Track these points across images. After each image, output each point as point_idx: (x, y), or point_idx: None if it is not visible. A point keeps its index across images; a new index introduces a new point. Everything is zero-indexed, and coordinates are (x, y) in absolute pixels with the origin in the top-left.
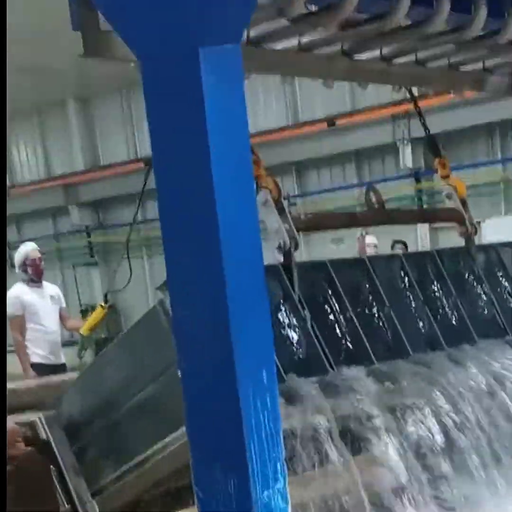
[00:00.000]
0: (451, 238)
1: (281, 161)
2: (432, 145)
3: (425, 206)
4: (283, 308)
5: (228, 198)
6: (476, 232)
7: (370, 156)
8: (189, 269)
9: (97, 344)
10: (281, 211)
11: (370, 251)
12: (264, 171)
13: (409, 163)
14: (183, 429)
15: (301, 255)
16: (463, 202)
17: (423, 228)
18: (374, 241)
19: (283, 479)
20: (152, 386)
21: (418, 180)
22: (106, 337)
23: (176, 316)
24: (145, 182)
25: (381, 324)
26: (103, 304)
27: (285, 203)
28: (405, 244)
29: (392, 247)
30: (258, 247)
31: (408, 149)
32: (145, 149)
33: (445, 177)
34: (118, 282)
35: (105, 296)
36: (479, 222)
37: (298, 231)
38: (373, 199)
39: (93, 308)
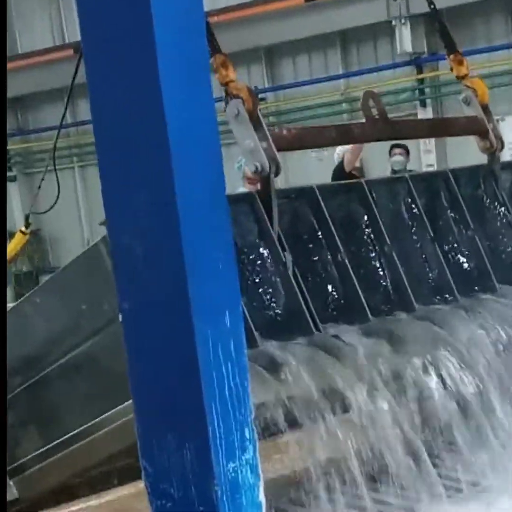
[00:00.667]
0: (458, 139)
1: (247, 47)
2: (442, 32)
3: (429, 100)
4: (258, 250)
5: (179, 95)
6: (502, 147)
7: (359, 39)
8: (131, 185)
9: (16, 279)
10: (257, 125)
11: (353, 159)
12: (234, 74)
13: (408, 47)
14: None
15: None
16: (485, 109)
17: None
18: (358, 145)
19: (253, 447)
20: (91, 342)
21: (419, 69)
22: (29, 271)
23: (114, 244)
24: (75, 75)
25: (379, 268)
26: (23, 229)
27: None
28: (406, 149)
29: (390, 152)
30: (218, 159)
31: (407, 30)
32: (75, 33)
33: (462, 77)
34: (42, 201)
35: (26, 219)
36: (497, 120)
37: (279, 150)
38: (372, 107)
39: (11, 234)
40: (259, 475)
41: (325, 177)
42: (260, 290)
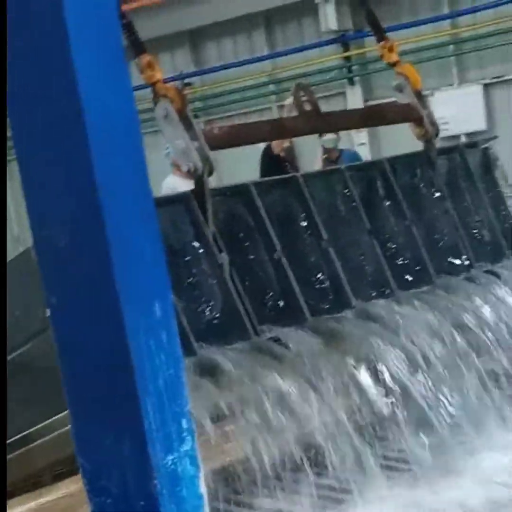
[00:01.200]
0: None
1: (170, 31)
2: (370, 19)
3: (357, 78)
4: (194, 251)
5: (95, 81)
6: (437, 134)
7: (283, 19)
8: (50, 176)
9: None
10: (188, 125)
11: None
12: (160, 74)
13: (333, 24)
14: None
15: None
16: (419, 95)
17: (355, 106)
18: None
19: (191, 438)
20: (25, 348)
21: (345, 47)
22: None
23: (36, 237)
24: None
25: (317, 265)
26: None
27: (179, 84)
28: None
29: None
30: (139, 146)
31: (331, 7)
32: None
33: (393, 64)
34: None
35: None
36: (426, 96)
37: (212, 149)
38: (303, 99)
39: None
40: (199, 466)
41: (254, 155)
42: (197, 293)
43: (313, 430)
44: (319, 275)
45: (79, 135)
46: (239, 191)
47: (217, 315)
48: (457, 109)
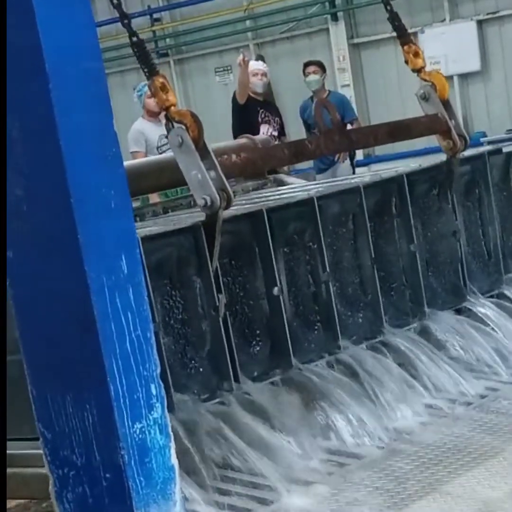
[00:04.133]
0: (375, 56)
1: None
2: (394, 21)
3: (340, 13)
4: (191, 284)
5: (54, 17)
6: (465, 147)
7: None
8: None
9: None
10: (204, 154)
11: (257, 82)
12: (175, 98)
13: None
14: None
15: (174, 88)
16: (446, 105)
17: (339, 44)
18: (261, 67)
19: (161, 405)
20: None
21: None
22: None
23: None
24: None
25: (315, 303)
26: None
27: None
28: (320, 66)
29: (304, 71)
30: (102, 86)
31: None
32: None
33: (419, 70)
34: None
35: None
36: (415, 33)
37: (230, 178)
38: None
39: None
40: (169, 435)
41: (229, 102)
42: (186, 331)
43: None
44: (314, 315)
45: (37, 73)
46: (247, 218)
47: (201, 358)
48: (449, 48)
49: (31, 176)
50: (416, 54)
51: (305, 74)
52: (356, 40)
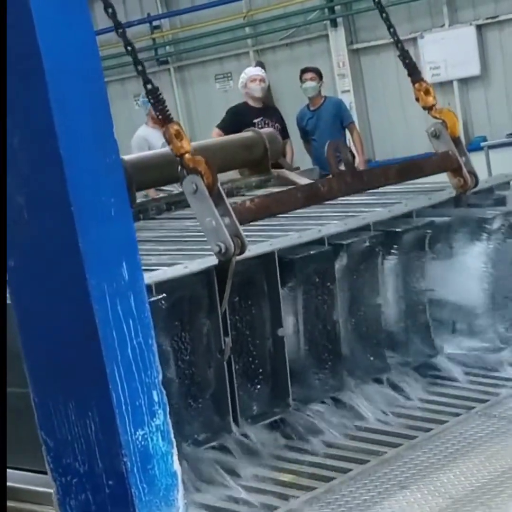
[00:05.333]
0: (374, 61)
1: None
2: (406, 60)
3: (340, 19)
4: (200, 326)
5: (53, 26)
6: (476, 184)
7: None
8: (6, 129)
9: None
10: (218, 201)
11: (255, 86)
12: (189, 145)
13: None
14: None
15: (174, 95)
16: (457, 142)
17: (338, 50)
18: (260, 73)
19: (163, 412)
20: None
21: None
22: None
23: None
24: None
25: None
26: None
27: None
28: (317, 72)
29: (301, 78)
30: (102, 95)
31: None
32: None
33: (430, 108)
34: None
35: None
36: (415, 39)
37: (242, 223)
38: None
39: None
40: (172, 441)
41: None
42: (191, 371)
43: None
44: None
45: (37, 82)
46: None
47: (203, 399)
48: (449, 53)
49: (32, 184)
50: (427, 92)
51: (302, 81)
52: (355, 46)
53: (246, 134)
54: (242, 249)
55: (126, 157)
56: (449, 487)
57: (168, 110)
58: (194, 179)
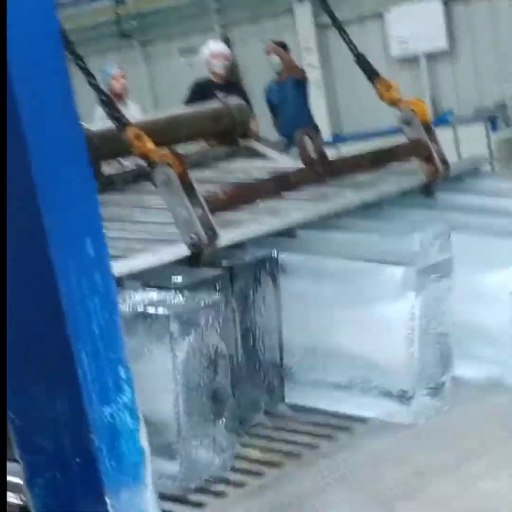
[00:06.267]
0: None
1: None
2: (360, 60)
3: None
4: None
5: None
6: (447, 171)
7: None
8: None
9: None
10: (189, 191)
11: (217, 63)
12: (151, 143)
13: None
14: None
15: (139, 70)
16: (428, 129)
17: (305, 25)
18: (223, 50)
19: (130, 389)
20: None
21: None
22: None
23: None
24: None
25: None
26: None
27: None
28: (283, 46)
29: (268, 52)
30: (63, 69)
31: None
32: None
33: (396, 102)
34: None
35: None
36: (381, 13)
37: (213, 212)
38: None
39: None
40: (139, 418)
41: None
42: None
43: None
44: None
45: None
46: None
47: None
48: (416, 27)
49: None
50: (389, 88)
51: (267, 54)
52: (323, 22)
53: (213, 105)
54: (214, 239)
55: (94, 128)
56: None
57: (123, 115)
58: (164, 169)
